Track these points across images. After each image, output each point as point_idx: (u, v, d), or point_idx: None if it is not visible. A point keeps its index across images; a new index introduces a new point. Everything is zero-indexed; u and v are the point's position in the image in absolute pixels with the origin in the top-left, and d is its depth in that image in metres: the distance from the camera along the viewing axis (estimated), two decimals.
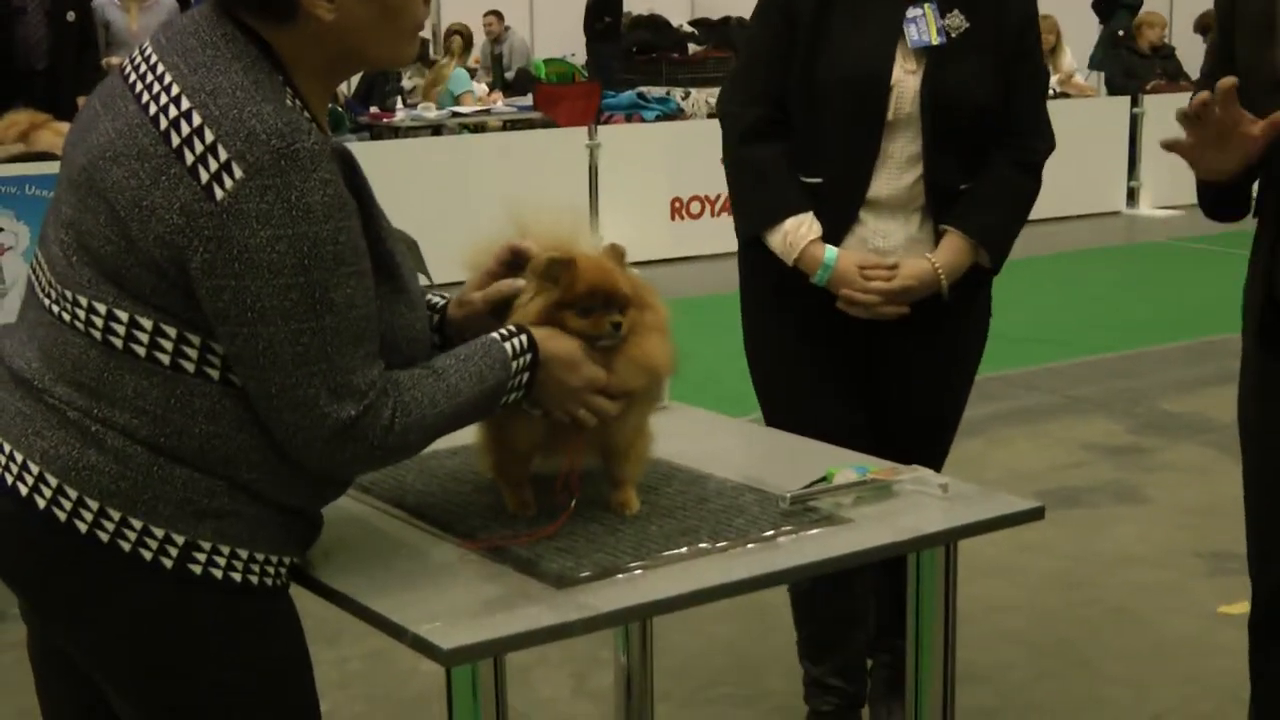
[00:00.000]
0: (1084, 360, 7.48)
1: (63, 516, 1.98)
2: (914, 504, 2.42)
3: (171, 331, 1.96)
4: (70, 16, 9.08)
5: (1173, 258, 10.51)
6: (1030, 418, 6.47)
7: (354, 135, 10.51)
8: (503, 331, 2.15)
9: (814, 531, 2.29)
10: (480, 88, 12.44)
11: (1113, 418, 6.45)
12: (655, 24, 17.04)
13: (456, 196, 8.87)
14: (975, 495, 2.46)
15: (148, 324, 1.96)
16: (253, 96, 1.92)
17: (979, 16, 3.00)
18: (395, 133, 10.68)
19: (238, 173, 1.87)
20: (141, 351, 1.97)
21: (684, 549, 2.21)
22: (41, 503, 1.99)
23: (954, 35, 2.98)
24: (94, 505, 1.98)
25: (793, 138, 3.07)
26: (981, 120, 3.02)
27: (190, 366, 1.97)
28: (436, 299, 2.40)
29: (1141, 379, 7.15)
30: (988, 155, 3.07)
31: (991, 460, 5.86)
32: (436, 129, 10.61)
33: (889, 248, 3.05)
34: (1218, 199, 2.65)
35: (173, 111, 1.92)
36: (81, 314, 1.98)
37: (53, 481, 1.98)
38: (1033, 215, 3.19)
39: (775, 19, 3.08)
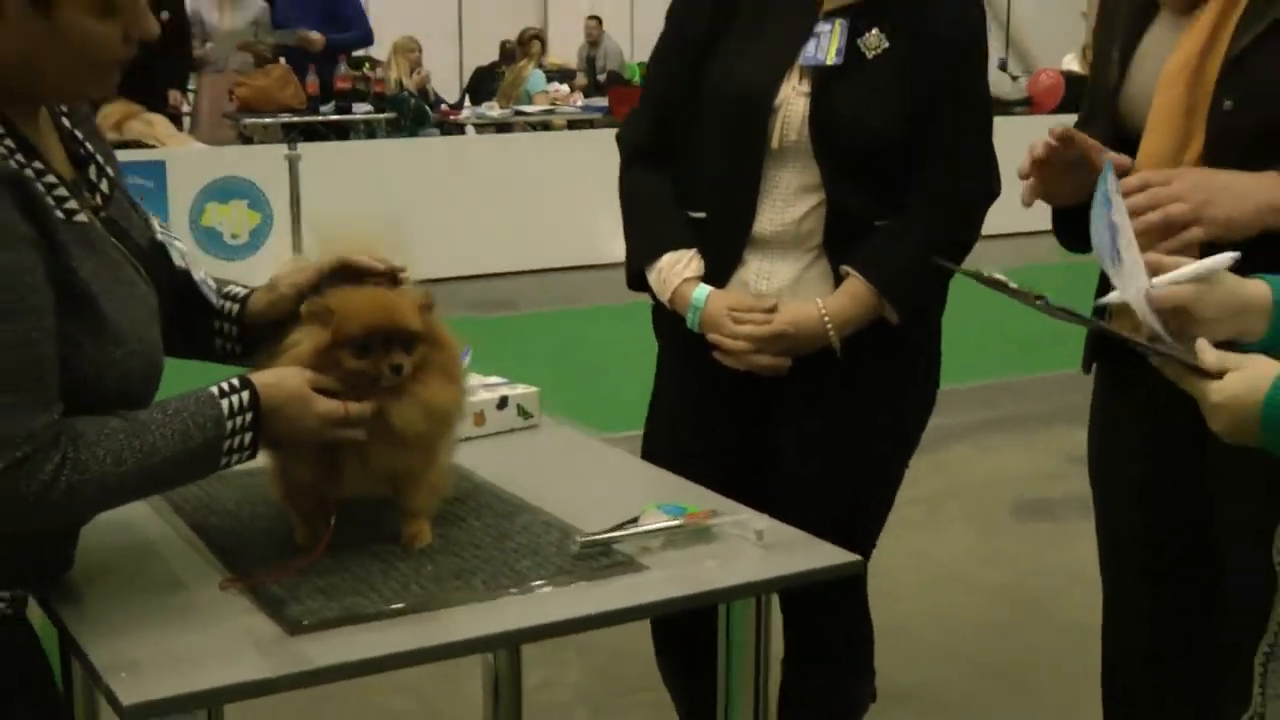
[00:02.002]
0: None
1: None
2: (726, 550, 2.06)
3: None
4: (164, 15, 8.88)
5: None
6: (1023, 425, 5.99)
7: (435, 129, 10.25)
8: (223, 386, 1.84)
9: (598, 581, 1.94)
10: (562, 88, 12.16)
11: None
12: None
13: (502, 189, 8.63)
14: (794, 543, 2.10)
15: None
16: None
17: (901, 37, 2.45)
18: (461, 129, 10.42)
19: None
20: None
21: (451, 592, 1.89)
22: None
23: (869, 55, 2.45)
24: None
25: (677, 166, 2.60)
26: (887, 152, 2.46)
27: None
28: (237, 289, 2.11)
29: None
30: (904, 192, 2.49)
31: (976, 466, 5.46)
32: (502, 126, 10.33)
33: (772, 290, 2.49)
34: (1064, 226, 2.25)
35: None
36: None
37: None
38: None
39: (671, 31, 2.64)
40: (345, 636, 1.77)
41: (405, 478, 2.03)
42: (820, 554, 2.07)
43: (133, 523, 2.13)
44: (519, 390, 2.65)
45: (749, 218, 2.50)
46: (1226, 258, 1.76)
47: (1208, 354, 1.62)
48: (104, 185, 1.91)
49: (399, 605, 1.84)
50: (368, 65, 11.35)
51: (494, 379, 2.69)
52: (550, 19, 16.65)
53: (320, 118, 9.33)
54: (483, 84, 12.10)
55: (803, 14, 2.50)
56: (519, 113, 10.56)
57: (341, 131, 9.58)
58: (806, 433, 2.56)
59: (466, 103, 11.32)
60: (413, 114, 10.11)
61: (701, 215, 2.56)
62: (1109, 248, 1.81)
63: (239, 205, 8.21)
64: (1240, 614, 2.08)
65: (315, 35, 9.26)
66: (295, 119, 9.13)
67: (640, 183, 2.64)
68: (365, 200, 8.39)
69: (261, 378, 1.88)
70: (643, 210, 2.63)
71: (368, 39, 9.77)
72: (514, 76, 11.51)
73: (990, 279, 1.82)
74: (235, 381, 1.85)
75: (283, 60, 9.28)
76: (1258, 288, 1.74)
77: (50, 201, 1.72)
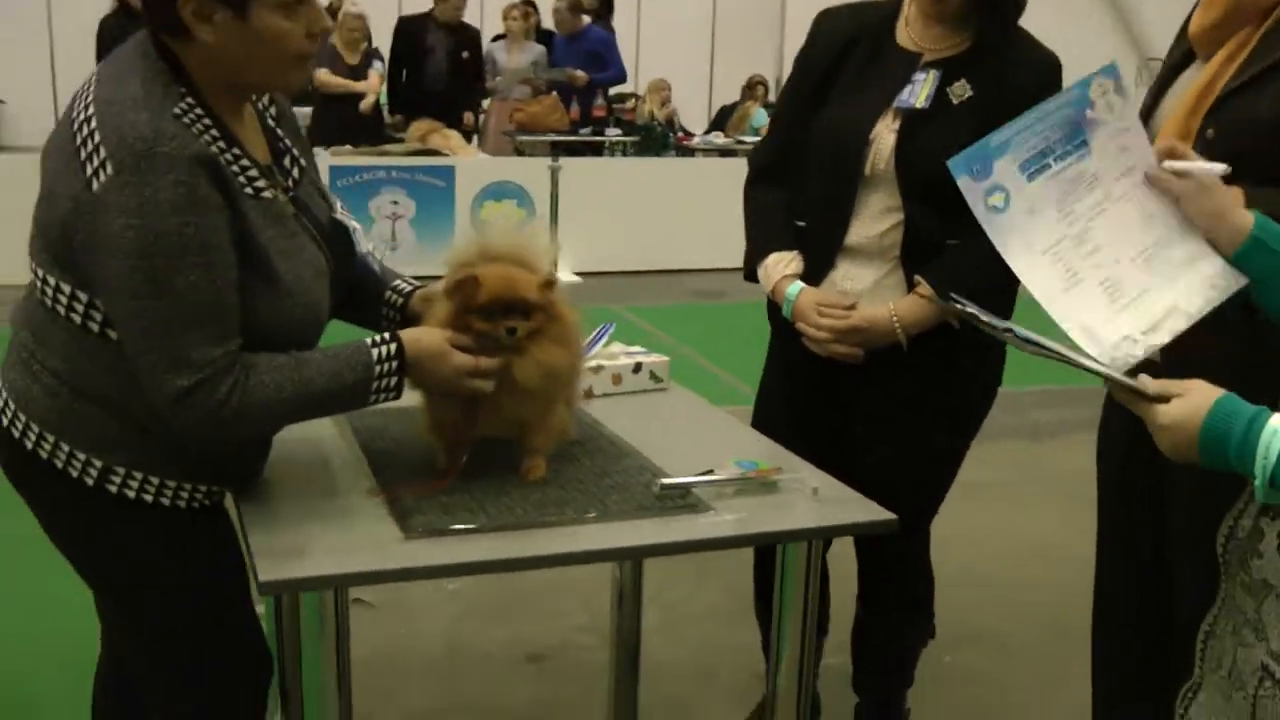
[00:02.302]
0: None
1: (16, 433, 1.79)
2: (785, 501, 1.97)
3: (83, 297, 1.72)
4: (464, 55, 9.06)
5: None
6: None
7: (673, 152, 10.21)
8: (376, 339, 1.84)
9: (669, 518, 1.88)
10: None
11: None
12: None
13: (720, 200, 8.52)
14: (844, 500, 1.99)
15: (66, 289, 1.72)
16: (135, 106, 1.64)
17: (982, 86, 2.32)
18: (692, 153, 10.34)
19: (109, 169, 1.61)
20: (63, 312, 1.73)
21: (546, 516, 1.85)
22: (5, 421, 1.81)
23: (955, 101, 2.32)
24: (35, 429, 1.78)
25: (790, 184, 2.50)
26: (958, 187, 2.35)
27: (95, 327, 1.73)
28: (404, 285, 2.11)
29: None
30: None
31: (1066, 459, 5.15)
32: (725, 151, 10.23)
33: (855, 291, 2.39)
34: None
35: (83, 115, 1.67)
36: (35, 279, 1.78)
37: (12, 406, 1.80)
38: None
39: (797, 74, 2.55)
40: (448, 544, 1.75)
41: (526, 423, 2.00)
42: (862, 510, 1.97)
43: (321, 440, 2.16)
44: (652, 359, 2.59)
45: (842, 230, 2.40)
46: (1219, 167, 1.69)
47: (1151, 383, 1.47)
48: (295, 172, 1.92)
49: (500, 522, 1.82)
50: (631, 101, 11.37)
51: (635, 348, 2.64)
52: (784, 66, 16.44)
53: (579, 138, 9.37)
54: (725, 118, 12.05)
55: (905, 64, 2.39)
56: (740, 141, 10.43)
57: (595, 150, 9.61)
58: (878, 419, 2.47)
59: (699, 133, 11.22)
60: (657, 139, 10.08)
61: (804, 225, 2.47)
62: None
63: (509, 204, 8.32)
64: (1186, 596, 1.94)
65: (580, 74, 9.31)
66: (559, 138, 9.20)
67: (760, 196, 2.57)
68: (609, 205, 8.44)
69: (408, 334, 1.88)
70: (759, 218, 2.55)
71: (621, 78, 9.77)
72: (741, 113, 11.39)
73: (963, 312, 1.71)
74: (386, 335, 1.85)
75: (554, 92, 9.35)
76: (1243, 214, 1.64)
77: (242, 180, 1.73)
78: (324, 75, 8.41)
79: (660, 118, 10.81)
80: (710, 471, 2.00)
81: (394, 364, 1.83)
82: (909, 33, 2.42)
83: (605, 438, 2.22)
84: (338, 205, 2.01)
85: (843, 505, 1.97)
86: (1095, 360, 1.58)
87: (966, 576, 3.88)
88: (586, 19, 9.54)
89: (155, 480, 1.78)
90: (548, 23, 9.87)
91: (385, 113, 9.16)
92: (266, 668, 1.96)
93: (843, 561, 2.76)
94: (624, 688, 2.78)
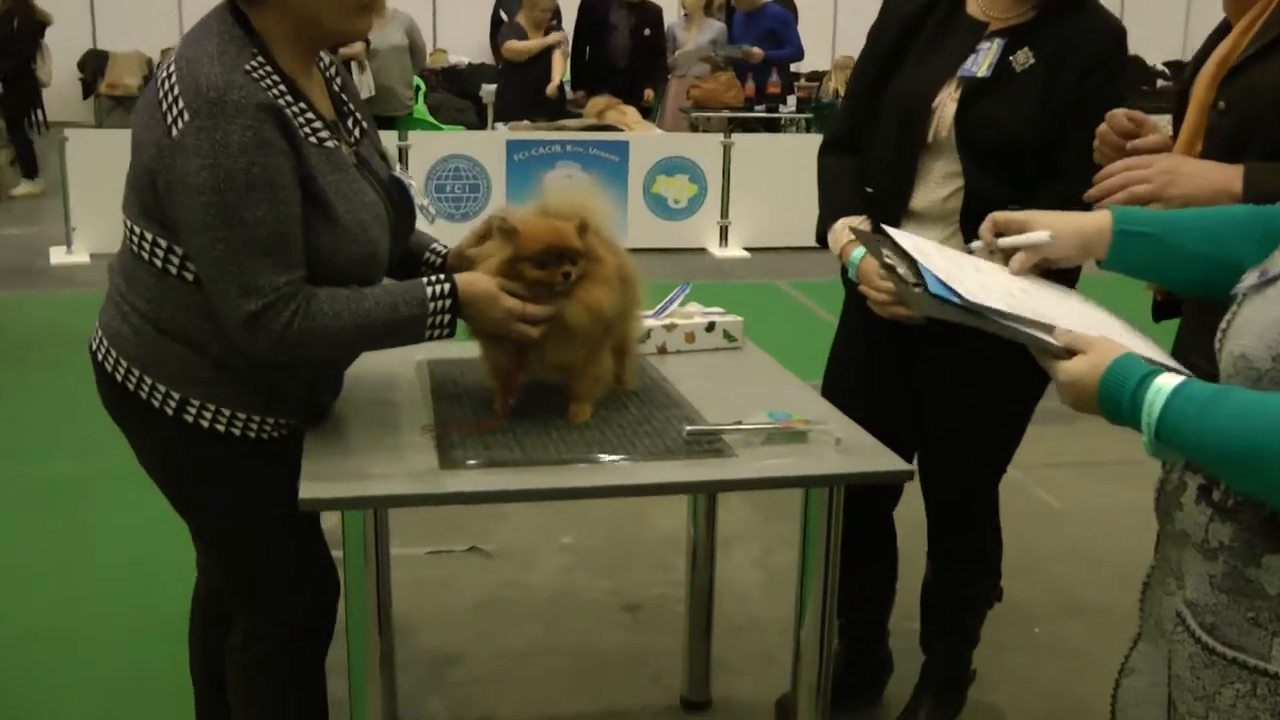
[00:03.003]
0: None
1: (109, 368, 2.03)
2: (809, 450, 2.08)
3: (163, 242, 1.95)
4: (646, 32, 9.25)
5: None
6: None
7: None
8: (431, 279, 2.01)
9: (690, 460, 2.01)
10: None
11: None
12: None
13: None
14: (863, 450, 2.08)
15: (149, 235, 1.96)
16: (210, 61, 1.86)
17: (1046, 54, 2.36)
18: None
19: (186, 116, 1.83)
20: (146, 255, 1.97)
21: (576, 454, 2.00)
22: (100, 356, 2.06)
23: (1018, 70, 2.36)
24: (124, 364, 2.02)
25: (861, 152, 2.57)
26: (1018, 153, 2.36)
27: (173, 269, 1.95)
28: (440, 246, 2.30)
29: None
30: (1038, 185, 2.36)
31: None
32: None
33: None
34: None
35: (166, 73, 1.90)
36: (126, 228, 2.02)
37: (106, 343, 2.04)
38: None
39: (869, 45, 2.62)
40: (478, 476, 1.92)
41: (571, 368, 2.15)
42: (881, 460, 2.05)
43: (397, 382, 2.36)
44: (727, 318, 2.71)
45: (906, 195, 2.47)
46: (1041, 236, 1.71)
47: (1062, 337, 1.51)
48: (356, 131, 2.12)
49: (533, 459, 1.98)
50: (813, 79, 11.38)
51: (714, 309, 2.76)
52: None
53: (753, 114, 9.45)
54: None
55: (973, 34, 2.45)
56: None
57: (769, 126, 9.68)
58: (943, 382, 2.54)
59: None
60: (830, 117, 10.07)
61: (871, 191, 2.54)
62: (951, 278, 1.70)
63: (681, 179, 8.47)
64: None
65: (756, 50, 9.39)
66: (733, 114, 9.30)
67: (832, 164, 2.65)
68: (780, 181, 8.48)
69: (462, 276, 2.04)
70: (830, 185, 2.64)
71: (798, 55, 9.78)
72: None
73: (885, 263, 1.80)
74: (441, 276, 2.03)
75: (730, 69, 9.45)
76: (1099, 218, 1.66)
77: (307, 130, 1.94)
78: (513, 44, 8.72)
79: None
80: (739, 421, 2.11)
81: (447, 302, 2.00)
82: (979, 2, 2.47)
83: (661, 389, 2.36)
84: (397, 166, 2.20)
85: (863, 455, 2.06)
86: (1007, 315, 1.58)
87: (1074, 551, 3.87)
88: None
89: (227, 412, 2.01)
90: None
91: (568, 90, 9.44)
92: (334, 590, 2.17)
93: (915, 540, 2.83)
94: (695, 639, 2.92)
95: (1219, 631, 1.37)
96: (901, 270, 1.76)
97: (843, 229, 2.53)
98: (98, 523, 3.82)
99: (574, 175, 8.03)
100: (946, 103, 2.41)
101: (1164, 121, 2.07)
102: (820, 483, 2.03)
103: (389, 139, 8.02)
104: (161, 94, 1.87)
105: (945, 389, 2.55)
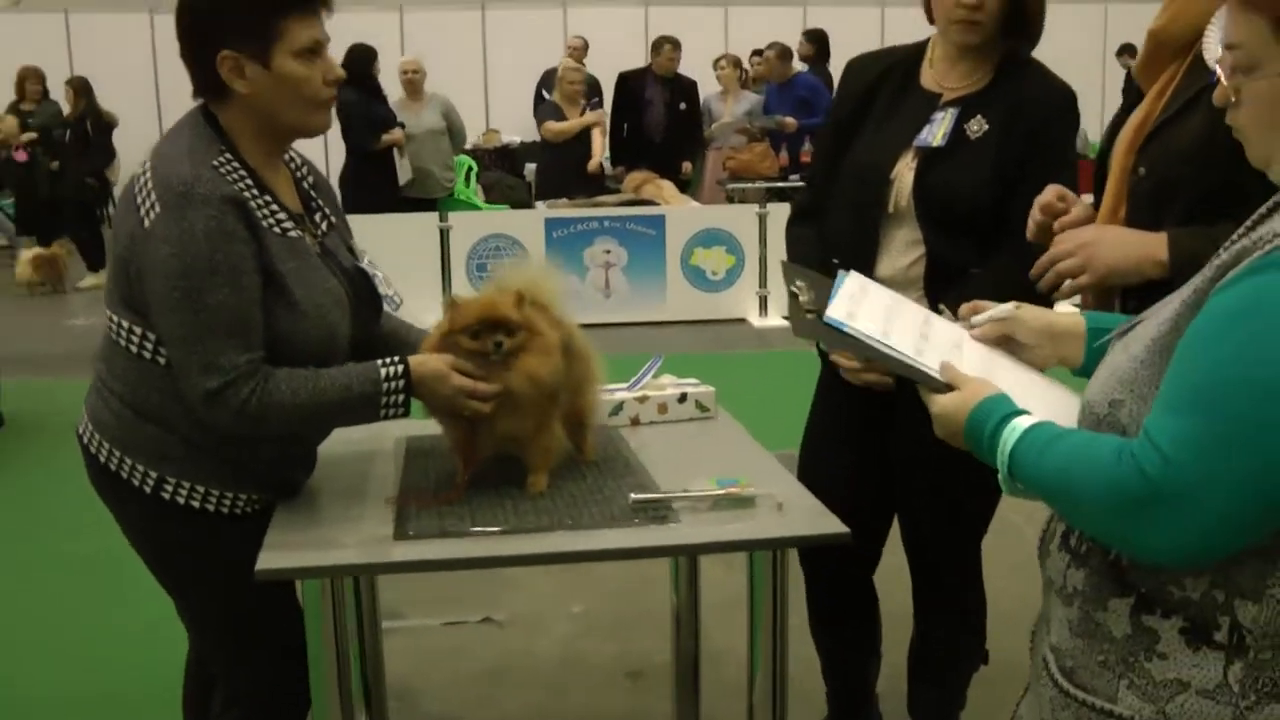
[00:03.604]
0: None
1: (93, 449, 2.19)
2: (752, 515, 2.16)
3: (138, 329, 2.09)
4: (682, 106, 9.47)
5: None
6: None
7: None
8: (385, 360, 2.15)
9: (630, 528, 2.10)
10: None
11: None
12: None
13: None
14: (804, 513, 2.16)
15: (125, 323, 2.11)
16: (181, 157, 2.04)
17: (997, 121, 2.46)
18: None
19: (157, 208, 2.00)
20: (123, 342, 2.12)
21: (522, 523, 2.11)
22: (85, 439, 2.22)
23: (972, 137, 2.47)
24: (107, 445, 2.17)
25: (824, 222, 2.65)
26: (975, 217, 2.46)
27: (148, 354, 2.10)
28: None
29: None
30: (996, 246, 2.45)
31: None
32: None
33: None
34: None
35: (143, 168, 2.08)
36: (107, 318, 2.18)
37: (90, 427, 2.19)
38: None
39: (829, 118, 2.75)
40: (425, 546, 2.03)
41: (522, 440, 2.26)
42: (820, 524, 2.12)
43: (373, 456, 2.49)
44: (700, 389, 2.80)
45: (870, 264, 2.53)
46: (1007, 308, 1.75)
47: (946, 372, 1.60)
48: (324, 225, 2.27)
49: (482, 529, 2.08)
50: None
51: (688, 380, 2.85)
52: None
53: (787, 184, 9.59)
54: None
55: (926, 105, 2.55)
56: None
57: None
58: (914, 451, 2.55)
59: None
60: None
61: (836, 261, 2.63)
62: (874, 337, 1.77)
63: (719, 250, 8.60)
64: None
65: (789, 120, 9.55)
66: (769, 184, 9.45)
67: (797, 233, 2.73)
68: None
69: (414, 358, 2.18)
70: (795, 254, 2.72)
71: None
72: None
73: (792, 289, 1.88)
74: (395, 358, 2.16)
75: (765, 139, 9.62)
76: (1072, 319, 1.70)
77: (270, 221, 2.09)
78: (550, 125, 8.95)
79: None
80: (685, 489, 2.21)
81: (400, 383, 2.13)
82: (932, 74, 2.58)
83: (621, 459, 2.46)
84: (365, 257, 2.34)
85: (803, 518, 2.14)
86: (894, 350, 1.68)
87: None
88: (798, 66, 9.78)
89: (201, 489, 2.15)
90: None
91: (608, 165, 9.66)
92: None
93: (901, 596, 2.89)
94: (684, 704, 2.99)
95: (1075, 675, 1.44)
96: (804, 298, 1.84)
97: None
98: (122, 596, 3.98)
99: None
100: (904, 172, 2.51)
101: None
102: (755, 546, 2.12)
103: (429, 220, 8.27)
104: (138, 187, 2.04)
105: (919, 456, 2.57)
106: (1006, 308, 1.76)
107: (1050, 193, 2.09)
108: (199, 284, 1.98)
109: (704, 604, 2.96)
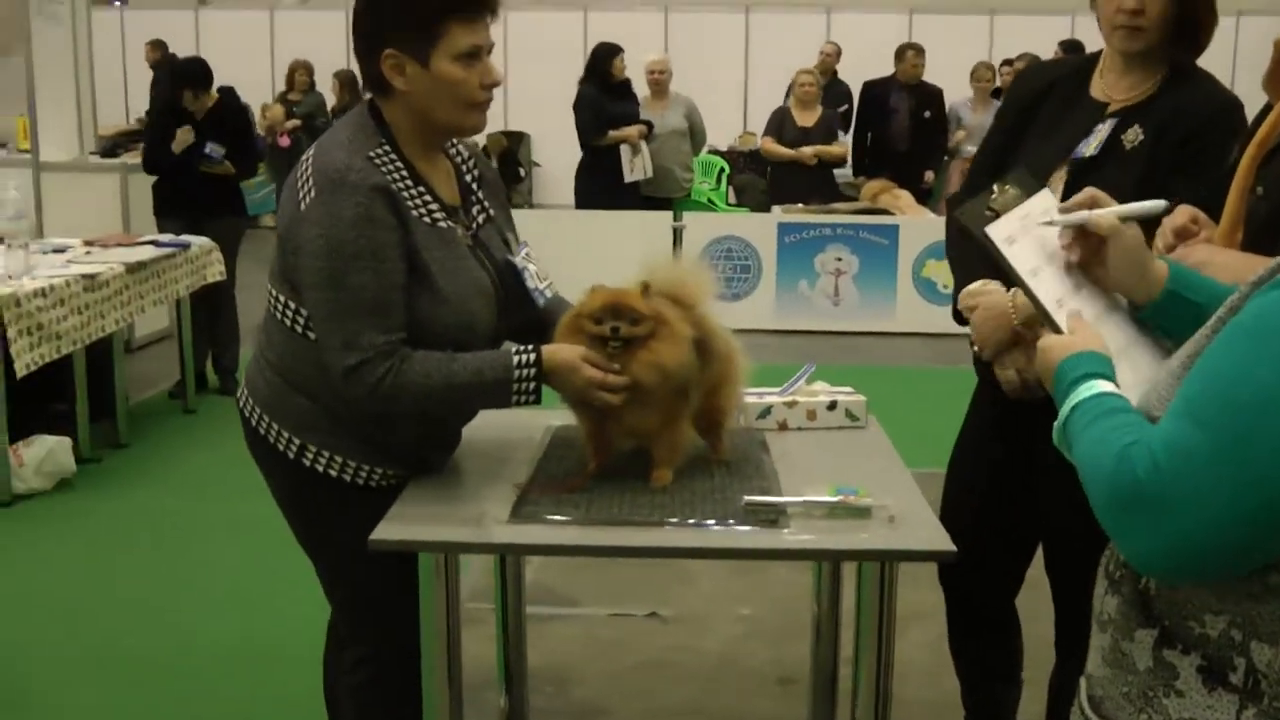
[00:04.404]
0: None
1: (246, 413, 2.37)
2: (860, 526, 2.14)
3: (292, 303, 2.25)
4: (926, 114, 9.31)
5: None
6: None
7: None
8: (520, 348, 2.23)
9: (735, 529, 2.12)
10: None
11: None
12: None
13: None
14: (915, 528, 2.13)
15: (282, 297, 2.27)
16: (340, 147, 2.18)
17: (1153, 129, 2.38)
18: None
19: (313, 193, 2.15)
20: (279, 315, 2.28)
21: (632, 516, 2.16)
22: (241, 403, 2.40)
23: (1128, 147, 2.39)
24: (258, 410, 2.34)
25: None
26: None
27: (300, 329, 2.26)
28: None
29: None
30: None
31: None
32: None
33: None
34: None
35: (308, 156, 2.23)
36: (268, 295, 2.34)
37: (246, 392, 2.38)
38: None
39: (994, 125, 2.70)
40: (537, 529, 2.11)
41: (649, 434, 2.30)
42: (926, 539, 2.09)
43: (520, 440, 2.57)
44: (851, 397, 2.78)
45: None
46: (1158, 204, 1.74)
47: (1069, 320, 1.60)
48: (481, 217, 2.38)
49: (593, 518, 2.15)
50: None
51: (842, 389, 2.84)
52: None
53: None
54: None
55: (1092, 114, 2.48)
56: None
57: None
58: (1061, 479, 2.47)
59: None
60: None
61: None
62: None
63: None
64: None
65: None
66: None
67: (957, 239, 2.68)
68: None
69: (548, 347, 2.25)
70: (957, 258, 2.67)
71: None
72: None
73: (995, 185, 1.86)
74: (529, 346, 2.24)
75: None
76: (1161, 267, 1.66)
77: (421, 210, 2.21)
78: (767, 144, 8.96)
79: None
80: (800, 495, 2.22)
81: (532, 370, 2.21)
82: (1102, 83, 2.50)
83: (755, 462, 2.47)
84: (521, 252, 2.42)
85: (913, 532, 2.11)
86: (1035, 289, 1.69)
87: None
88: None
89: (339, 459, 2.29)
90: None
91: (850, 171, 9.59)
92: None
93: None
94: (820, 713, 2.98)
95: (1102, 706, 1.40)
96: (995, 196, 1.84)
97: (970, 294, 2.57)
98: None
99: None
100: (1056, 184, 2.43)
101: None
102: (857, 556, 2.11)
103: (664, 219, 8.40)
104: (300, 173, 2.21)
105: (1064, 483, 2.52)
106: (1157, 204, 1.74)
107: (1183, 215, 1.99)
108: (343, 265, 2.11)
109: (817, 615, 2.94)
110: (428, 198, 2.24)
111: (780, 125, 8.95)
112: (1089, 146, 2.42)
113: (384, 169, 2.18)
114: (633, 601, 3.98)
